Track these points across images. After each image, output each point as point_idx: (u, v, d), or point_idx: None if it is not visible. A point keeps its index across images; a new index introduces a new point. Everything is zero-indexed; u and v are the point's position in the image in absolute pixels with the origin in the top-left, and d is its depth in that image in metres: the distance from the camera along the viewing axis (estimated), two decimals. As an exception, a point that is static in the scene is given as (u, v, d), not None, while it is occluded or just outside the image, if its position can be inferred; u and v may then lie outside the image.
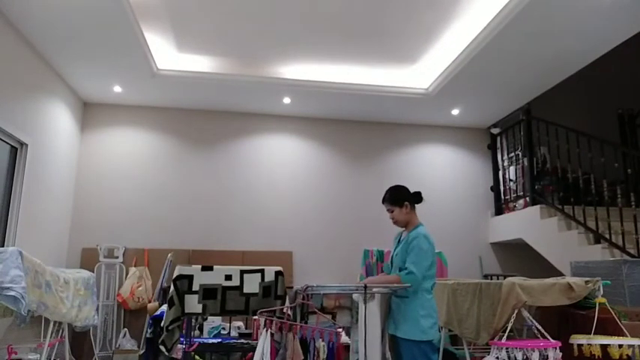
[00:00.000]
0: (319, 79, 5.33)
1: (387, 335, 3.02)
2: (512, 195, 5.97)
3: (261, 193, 5.96)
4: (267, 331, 2.52)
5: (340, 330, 2.68)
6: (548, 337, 2.98)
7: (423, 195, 3.14)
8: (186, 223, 5.72)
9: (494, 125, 6.32)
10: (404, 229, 3.16)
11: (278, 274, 3.10)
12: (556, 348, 2.83)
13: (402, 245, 3.03)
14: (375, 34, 4.58)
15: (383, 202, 3.15)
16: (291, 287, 5.15)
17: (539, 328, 3.05)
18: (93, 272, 4.80)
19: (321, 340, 2.59)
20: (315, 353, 2.54)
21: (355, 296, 3.37)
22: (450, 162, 6.42)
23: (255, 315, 3.31)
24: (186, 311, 2.98)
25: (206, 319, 3.99)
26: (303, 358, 2.51)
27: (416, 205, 3.12)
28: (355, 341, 3.48)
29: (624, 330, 2.97)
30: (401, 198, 3.09)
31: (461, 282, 3.67)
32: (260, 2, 4.08)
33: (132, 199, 5.69)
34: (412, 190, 3.17)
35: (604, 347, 2.85)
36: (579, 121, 5.43)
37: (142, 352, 4.87)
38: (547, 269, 4.98)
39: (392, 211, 3.10)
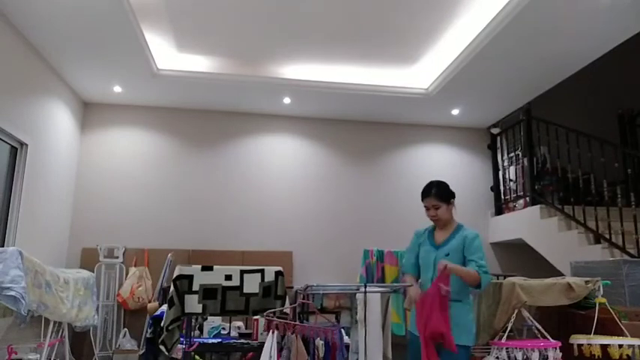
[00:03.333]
0: (319, 79, 5.33)
1: (389, 335, 3.02)
2: (512, 195, 5.97)
3: (261, 193, 5.96)
4: (272, 332, 2.52)
5: (334, 328, 2.68)
6: (548, 337, 2.99)
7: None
8: (186, 223, 5.72)
9: (494, 125, 6.31)
10: (429, 228, 2.99)
11: (278, 274, 3.10)
12: (556, 348, 2.84)
13: (455, 245, 2.82)
14: (375, 34, 4.57)
15: (426, 196, 2.91)
16: (291, 287, 5.15)
17: (539, 328, 3.05)
18: (93, 272, 4.81)
19: (319, 338, 2.60)
20: (316, 352, 2.55)
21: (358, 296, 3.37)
22: (450, 162, 6.42)
23: (255, 315, 3.31)
24: (186, 311, 2.98)
25: (206, 319, 3.98)
26: (307, 357, 2.51)
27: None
28: (355, 341, 3.48)
29: (624, 330, 2.97)
30: (449, 195, 2.90)
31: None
32: (260, 2, 4.08)
33: (132, 199, 5.69)
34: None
35: (604, 347, 2.85)
36: (579, 121, 5.43)
37: (142, 352, 4.86)
38: (547, 269, 4.98)
39: (437, 208, 2.87)
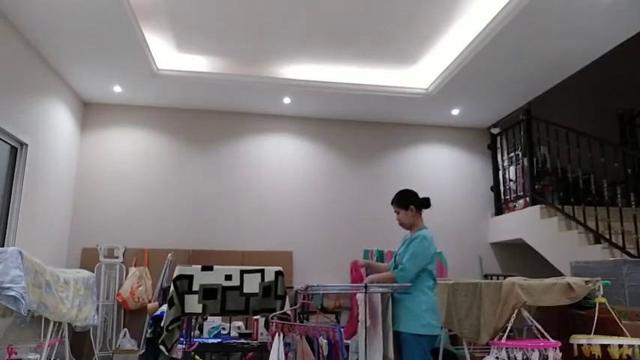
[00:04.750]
0: (319, 79, 5.33)
1: (389, 335, 3.02)
2: (512, 195, 5.97)
3: (261, 193, 5.96)
4: (279, 335, 2.52)
5: (335, 327, 2.68)
6: (548, 337, 2.98)
7: (431, 201, 3.33)
8: (186, 223, 5.72)
9: (494, 125, 6.31)
10: (409, 230, 3.33)
11: (278, 274, 3.09)
12: (556, 348, 2.84)
13: (405, 245, 3.24)
14: (375, 34, 4.57)
15: (392, 203, 3.36)
16: (291, 287, 5.15)
17: (539, 328, 3.05)
18: (93, 272, 4.80)
19: (321, 337, 2.60)
20: (320, 351, 2.55)
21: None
22: (450, 162, 6.42)
23: (255, 315, 3.31)
24: (186, 311, 2.98)
25: (206, 319, 3.99)
26: (313, 358, 2.51)
27: (423, 209, 3.31)
28: (355, 341, 3.48)
29: (624, 330, 2.97)
30: (407, 202, 3.28)
31: (461, 282, 3.67)
32: (260, 2, 4.08)
33: (132, 199, 5.69)
34: (420, 193, 3.34)
35: (604, 347, 2.85)
36: (579, 121, 5.43)
37: (142, 352, 4.87)
38: (547, 269, 4.98)
39: (398, 213, 3.31)
